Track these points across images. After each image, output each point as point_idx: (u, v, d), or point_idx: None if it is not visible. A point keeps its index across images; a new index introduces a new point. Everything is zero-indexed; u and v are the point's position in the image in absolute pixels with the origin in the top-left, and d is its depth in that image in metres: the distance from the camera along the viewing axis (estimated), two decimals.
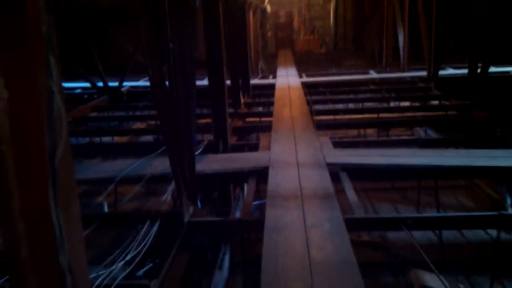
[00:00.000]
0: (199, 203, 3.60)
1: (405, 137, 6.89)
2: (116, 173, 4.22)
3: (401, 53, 11.49)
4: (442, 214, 4.51)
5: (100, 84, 9.69)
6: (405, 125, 6.80)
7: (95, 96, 9.73)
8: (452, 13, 9.78)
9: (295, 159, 4.37)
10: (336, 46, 21.40)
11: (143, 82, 11.07)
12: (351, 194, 3.70)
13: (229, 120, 6.44)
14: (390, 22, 12.70)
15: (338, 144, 5.28)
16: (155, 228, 3.09)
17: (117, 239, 4.02)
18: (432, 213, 5.26)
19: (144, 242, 3.01)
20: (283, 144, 4.95)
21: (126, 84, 10.37)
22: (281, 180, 3.84)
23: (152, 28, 3.00)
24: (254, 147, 5.36)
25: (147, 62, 2.95)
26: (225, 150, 5.33)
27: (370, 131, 7.26)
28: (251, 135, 6.91)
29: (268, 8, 19.76)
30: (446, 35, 8.69)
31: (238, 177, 4.31)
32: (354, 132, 7.37)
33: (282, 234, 2.85)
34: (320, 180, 3.77)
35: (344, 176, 4.05)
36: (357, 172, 4.21)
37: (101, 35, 12.43)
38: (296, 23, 22.69)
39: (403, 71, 11.23)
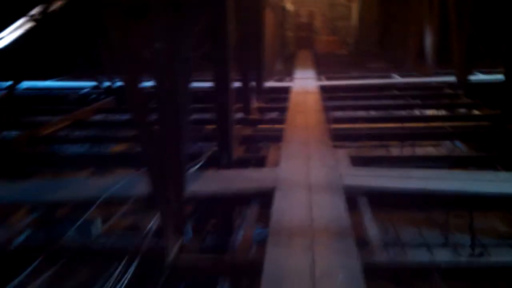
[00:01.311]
0: (189, 232, 3.02)
1: (434, 153, 6.22)
2: (102, 192, 3.68)
3: (428, 56, 10.74)
4: (485, 260, 3.84)
5: (107, 84, 9.20)
6: (433, 138, 6.11)
7: (103, 97, 9.25)
8: (485, 13, 9.03)
9: (307, 180, 3.77)
10: (358, 48, 20.64)
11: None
12: (371, 229, 3.08)
13: (236, 128, 5.88)
14: (416, 22, 11.95)
15: (357, 160, 4.64)
16: (131, 269, 2.52)
17: (89, 279, 3.49)
18: (463, 238, 4.62)
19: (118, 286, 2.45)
20: (294, 159, 4.34)
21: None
22: (288, 207, 3.24)
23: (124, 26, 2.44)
24: (262, 161, 4.77)
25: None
26: (229, 164, 4.75)
27: (393, 141, 6.58)
28: (261, 144, 6.31)
29: (289, 7, 19.11)
30: (478, 38, 7.96)
31: (239, 200, 3.72)
32: (375, 141, 6.70)
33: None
34: (334, 209, 3.16)
35: (363, 203, 3.43)
36: (379, 198, 3.58)
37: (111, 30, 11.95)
38: (317, 23, 21.99)
39: (429, 75, 10.48)
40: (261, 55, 8.65)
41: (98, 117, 8.12)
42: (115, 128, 7.38)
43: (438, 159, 4.78)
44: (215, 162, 4.85)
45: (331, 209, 3.17)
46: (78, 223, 3.47)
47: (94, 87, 9.89)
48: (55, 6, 10.63)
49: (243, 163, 4.87)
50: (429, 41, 10.84)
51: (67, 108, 8.22)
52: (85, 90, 10.20)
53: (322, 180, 3.73)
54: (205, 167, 4.78)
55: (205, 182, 3.82)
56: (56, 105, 8.77)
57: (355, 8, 20.90)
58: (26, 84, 10.67)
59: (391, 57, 15.16)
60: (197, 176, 3.98)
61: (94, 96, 9.66)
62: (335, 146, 4.99)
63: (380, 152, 6.41)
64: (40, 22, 8.81)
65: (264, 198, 3.55)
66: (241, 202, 3.74)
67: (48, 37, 10.31)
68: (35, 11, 9.38)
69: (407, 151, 6.41)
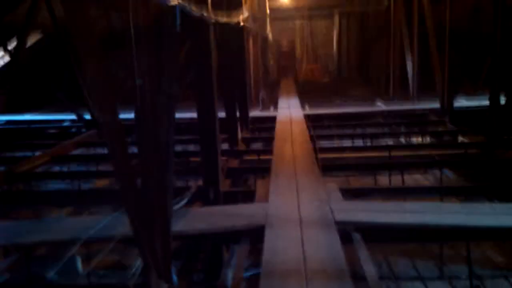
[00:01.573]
0: (174, 278, 2.84)
1: (421, 181, 6.15)
2: (83, 232, 3.48)
3: (410, 83, 10.83)
4: None
5: (88, 116, 9.01)
6: (421, 166, 6.05)
7: (84, 130, 9.04)
8: (465, 38, 9.15)
9: (298, 215, 3.63)
10: (340, 75, 20.84)
11: None
12: (367, 264, 2.93)
13: (222, 160, 5.74)
14: (396, 49, 12.11)
15: (348, 192, 4.53)
16: None
17: None
18: (458, 270, 4.51)
19: None
20: (283, 193, 4.21)
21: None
22: (280, 245, 3.08)
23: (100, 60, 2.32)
24: (251, 195, 4.62)
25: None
26: (216, 199, 4.60)
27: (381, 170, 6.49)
28: (249, 176, 6.17)
29: (270, 36, 19.29)
30: (458, 63, 8.02)
31: (228, 239, 3.55)
32: (363, 171, 6.61)
33: None
34: (328, 247, 3.02)
35: (357, 239, 3.29)
36: (373, 233, 3.45)
37: None
38: (298, 51, 22.21)
39: (413, 102, 10.54)
40: (245, 84, 8.60)
41: (79, 151, 7.91)
42: (97, 162, 7.16)
43: (428, 190, 4.69)
44: (202, 197, 4.69)
45: (324, 247, 3.02)
46: (58, 265, 3.25)
47: (75, 120, 9.69)
48: (33, 39, 10.52)
49: (231, 198, 4.72)
50: (410, 68, 10.94)
51: (47, 142, 8.00)
52: (66, 123, 10.00)
53: (314, 216, 3.59)
54: (191, 203, 4.63)
55: (192, 220, 3.65)
56: (35, 140, 8.54)
57: (335, 36, 21.20)
58: (3, 118, 10.44)
59: (373, 84, 15.30)
60: (183, 213, 3.81)
61: (74, 129, 9.46)
62: (324, 177, 4.88)
63: (369, 182, 6.32)
64: (17, 55, 8.67)
65: (254, 236, 3.39)
66: (230, 241, 3.57)
67: (27, 70, 10.15)
68: (11, 45, 9.24)
69: (396, 180, 6.35)
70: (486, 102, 10.12)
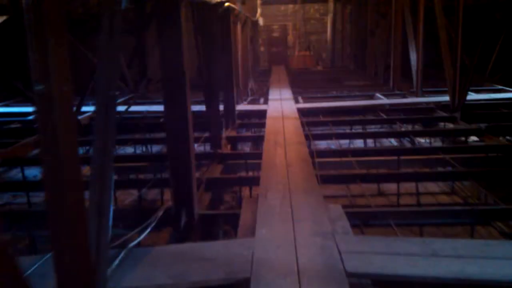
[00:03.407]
0: None
1: (441, 197, 5.23)
2: None
3: (414, 73, 9.87)
4: None
5: None
6: (437, 178, 5.12)
7: None
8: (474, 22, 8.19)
9: (294, 261, 2.67)
10: (334, 63, 19.86)
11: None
12: None
13: (202, 169, 4.79)
14: (398, 36, 11.12)
15: (355, 217, 3.60)
16: None
17: None
18: None
19: None
20: (274, 223, 3.24)
21: (87, 110, 8.63)
22: None
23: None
24: (234, 219, 3.67)
25: None
26: (190, 226, 3.63)
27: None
28: (234, 186, 5.22)
29: (261, 21, 18.19)
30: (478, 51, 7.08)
31: None
32: (369, 183, 5.65)
33: None
34: None
35: None
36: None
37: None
38: (290, 37, 21.19)
39: (417, 95, 9.60)
40: (231, 74, 7.60)
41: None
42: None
43: (456, 213, 3.75)
44: (170, 222, 3.73)
45: None
46: None
47: None
48: None
49: (208, 223, 3.76)
50: (414, 57, 9.98)
51: (6, 141, 6.92)
52: (31, 117, 8.92)
53: (316, 263, 2.64)
54: (158, 228, 3.68)
55: (148, 269, 2.67)
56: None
57: (329, 22, 20.19)
58: None
59: (370, 74, 14.34)
60: (140, 254, 2.84)
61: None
62: (324, 195, 3.94)
63: (373, 189, 5.43)
64: None
65: None
66: None
67: None
68: None
69: (404, 188, 5.44)
70: (496, 95, 9.30)
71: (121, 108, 9.04)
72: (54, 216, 1.69)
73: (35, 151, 6.62)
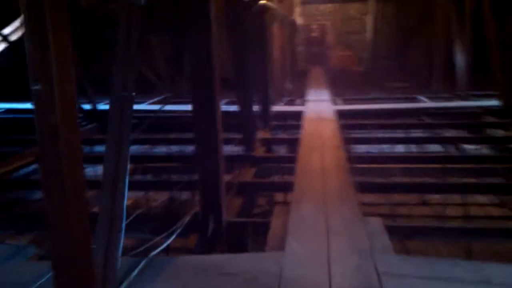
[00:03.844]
0: None
1: (491, 211, 4.82)
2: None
3: (460, 75, 9.36)
4: None
5: (88, 107, 7.94)
6: (490, 191, 4.72)
7: (84, 123, 7.95)
8: None
9: (327, 279, 2.41)
10: (375, 64, 19.31)
11: (147, 106, 9.30)
12: None
13: (234, 171, 4.58)
14: (443, 36, 10.60)
15: (397, 231, 3.30)
16: None
17: None
18: None
19: None
20: (307, 236, 2.99)
21: None
22: None
23: None
24: (264, 228, 3.43)
25: None
26: (217, 233, 3.42)
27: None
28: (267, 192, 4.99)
29: (299, 20, 17.87)
30: None
31: None
32: (411, 194, 5.30)
33: None
34: None
35: None
36: None
37: (93, 43, 10.77)
38: (330, 37, 20.76)
39: (462, 98, 9.09)
40: (267, 74, 7.37)
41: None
42: (94, 166, 6.05)
43: (507, 232, 3.38)
44: (197, 228, 3.53)
45: None
46: None
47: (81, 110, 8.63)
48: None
49: (236, 232, 3.54)
50: (460, 58, 9.46)
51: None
52: None
53: (351, 284, 2.37)
54: (185, 235, 3.49)
55: (169, 279, 2.47)
56: (26, 133, 7.48)
57: (369, 21, 19.66)
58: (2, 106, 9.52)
59: (413, 76, 13.80)
60: (159, 267, 2.64)
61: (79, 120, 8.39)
62: (362, 205, 3.66)
63: (416, 200, 5.07)
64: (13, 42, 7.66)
65: None
66: None
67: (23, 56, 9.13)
68: (7, 30, 8.23)
69: (450, 198, 5.07)
70: None
71: (156, 107, 8.99)
72: (54, 229, 1.50)
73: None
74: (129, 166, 4.26)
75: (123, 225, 1.86)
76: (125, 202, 1.95)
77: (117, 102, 1.93)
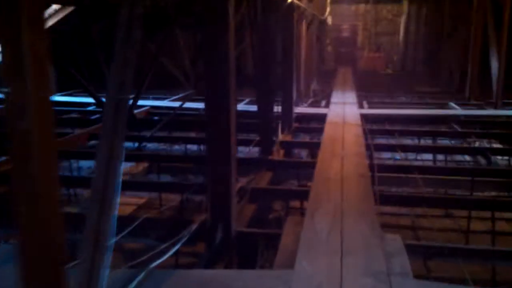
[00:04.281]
0: None
1: None
2: None
3: (494, 83, 8.95)
4: None
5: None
6: None
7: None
8: None
9: None
10: (405, 67, 18.85)
11: (168, 102, 9.18)
12: None
13: (245, 180, 4.40)
14: (478, 41, 10.17)
15: (418, 251, 3.06)
16: None
17: None
18: None
19: None
20: (318, 253, 2.77)
21: (145, 103, 8.50)
22: None
23: None
24: (274, 239, 3.24)
25: None
26: (225, 244, 3.24)
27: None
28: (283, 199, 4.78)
29: (329, 20, 17.56)
30: None
31: None
32: (436, 208, 5.01)
33: None
34: None
35: None
36: None
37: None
38: (360, 38, 20.37)
39: (496, 107, 8.68)
40: (291, 74, 7.15)
41: (94, 142, 6.75)
42: None
43: None
44: (205, 237, 3.36)
45: None
46: None
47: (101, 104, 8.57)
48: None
49: (245, 242, 3.36)
50: (495, 65, 9.04)
51: (60, 131, 6.88)
52: (90, 108, 8.92)
53: None
54: (193, 242, 3.33)
55: None
56: None
57: (402, 23, 19.20)
58: None
59: (444, 81, 13.35)
60: (160, 277, 2.48)
61: (98, 115, 8.34)
62: (380, 221, 3.42)
63: (439, 213, 4.80)
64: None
65: None
66: None
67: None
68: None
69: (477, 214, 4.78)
70: None
71: (177, 104, 8.87)
72: (23, 236, 1.34)
73: (91, 142, 6.56)
74: (142, 167, 4.04)
75: (111, 243, 1.69)
76: (116, 214, 1.79)
77: (112, 104, 1.77)
